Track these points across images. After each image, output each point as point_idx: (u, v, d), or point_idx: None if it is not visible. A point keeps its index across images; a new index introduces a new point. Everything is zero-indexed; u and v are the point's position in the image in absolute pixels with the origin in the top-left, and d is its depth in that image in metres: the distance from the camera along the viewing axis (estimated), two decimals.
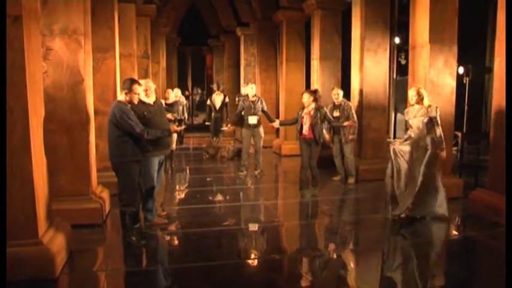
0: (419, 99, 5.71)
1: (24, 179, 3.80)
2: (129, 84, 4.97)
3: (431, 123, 5.64)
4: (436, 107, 5.70)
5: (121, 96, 5.01)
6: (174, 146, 9.38)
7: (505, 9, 5.23)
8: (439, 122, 5.65)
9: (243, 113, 8.85)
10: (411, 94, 5.79)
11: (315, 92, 7.79)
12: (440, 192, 5.68)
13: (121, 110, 4.84)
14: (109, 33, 6.89)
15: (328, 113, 7.37)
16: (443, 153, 5.65)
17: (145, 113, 5.20)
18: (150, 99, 5.45)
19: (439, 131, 5.63)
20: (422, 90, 5.74)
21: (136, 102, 5.05)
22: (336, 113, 7.95)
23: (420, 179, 5.53)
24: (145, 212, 5.57)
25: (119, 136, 4.85)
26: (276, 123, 8.38)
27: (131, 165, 4.95)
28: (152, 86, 5.55)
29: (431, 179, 5.62)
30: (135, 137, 4.88)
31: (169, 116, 8.85)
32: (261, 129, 8.88)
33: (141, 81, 5.34)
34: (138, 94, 5.03)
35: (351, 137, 7.85)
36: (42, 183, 4.05)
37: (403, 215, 5.69)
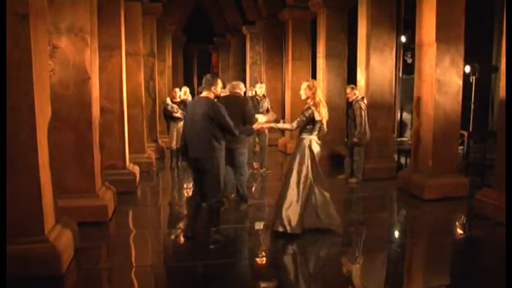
0: (311, 94, 5.26)
1: (30, 177, 3.82)
2: (214, 79, 5.03)
3: (307, 122, 5.20)
4: (310, 108, 5.21)
5: (205, 93, 4.97)
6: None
7: (506, 8, 5.20)
8: (301, 118, 5.22)
9: None
10: (302, 88, 5.37)
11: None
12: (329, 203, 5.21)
13: (218, 106, 4.84)
14: (115, 32, 6.91)
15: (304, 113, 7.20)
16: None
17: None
18: None
19: (293, 124, 5.30)
20: (316, 86, 5.34)
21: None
22: (350, 113, 7.95)
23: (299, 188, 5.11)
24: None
25: (214, 132, 4.80)
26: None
27: (221, 160, 4.90)
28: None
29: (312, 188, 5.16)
30: (223, 132, 4.89)
31: (178, 114, 8.88)
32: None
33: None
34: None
35: (354, 140, 7.79)
36: (48, 181, 4.07)
37: (280, 229, 5.07)
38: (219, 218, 5.02)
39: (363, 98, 7.87)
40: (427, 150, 6.69)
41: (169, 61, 15.67)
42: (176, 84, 16.72)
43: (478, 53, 10.23)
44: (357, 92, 7.90)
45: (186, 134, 5.05)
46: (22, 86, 3.71)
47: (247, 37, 15.57)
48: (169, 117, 9.09)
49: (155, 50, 10.70)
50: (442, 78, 6.54)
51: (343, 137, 9.68)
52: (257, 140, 8.94)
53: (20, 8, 3.65)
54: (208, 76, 5.14)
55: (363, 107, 7.70)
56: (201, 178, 4.96)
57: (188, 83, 21.77)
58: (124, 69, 7.12)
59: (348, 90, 7.99)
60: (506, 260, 3.29)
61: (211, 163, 4.82)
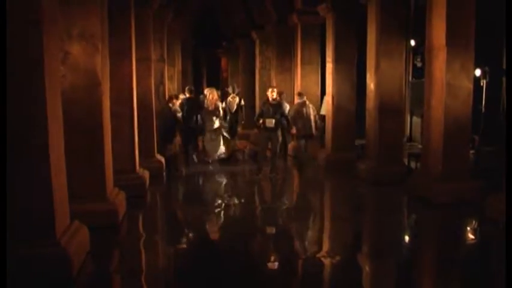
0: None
1: (42, 181, 3.86)
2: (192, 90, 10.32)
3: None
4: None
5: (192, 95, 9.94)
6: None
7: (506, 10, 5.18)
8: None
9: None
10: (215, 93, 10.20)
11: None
12: None
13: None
14: (126, 38, 6.95)
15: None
16: None
17: None
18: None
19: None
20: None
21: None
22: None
23: None
24: None
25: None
26: (293, 130, 9.21)
27: None
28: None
29: None
30: None
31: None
32: (279, 133, 8.90)
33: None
34: None
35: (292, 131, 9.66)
36: (60, 185, 4.11)
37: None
38: None
39: (305, 102, 9.91)
40: (437, 155, 6.65)
41: (178, 66, 15.75)
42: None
43: (488, 57, 10.15)
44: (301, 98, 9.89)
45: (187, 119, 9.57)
46: (34, 91, 3.75)
47: (257, 42, 15.58)
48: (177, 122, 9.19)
49: (165, 55, 10.76)
50: (453, 82, 6.50)
51: (353, 141, 9.71)
52: (269, 145, 8.95)
53: (32, 14, 3.70)
54: (190, 87, 10.32)
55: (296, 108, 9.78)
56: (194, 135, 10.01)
57: (198, 87, 21.85)
58: (134, 75, 7.17)
59: (296, 97, 10.10)
60: (506, 262, 3.27)
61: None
